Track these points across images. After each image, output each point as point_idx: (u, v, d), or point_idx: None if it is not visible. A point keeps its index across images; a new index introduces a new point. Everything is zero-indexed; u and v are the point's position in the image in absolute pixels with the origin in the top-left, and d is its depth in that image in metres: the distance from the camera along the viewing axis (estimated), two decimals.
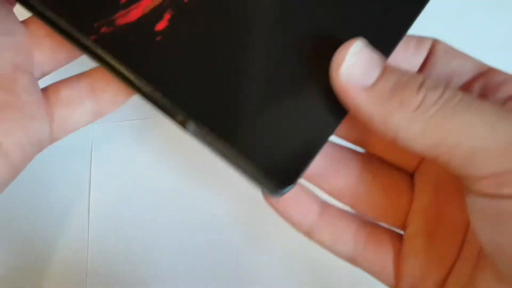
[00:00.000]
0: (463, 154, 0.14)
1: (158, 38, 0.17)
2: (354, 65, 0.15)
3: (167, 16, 0.18)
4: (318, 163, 0.19)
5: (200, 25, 0.17)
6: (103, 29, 0.17)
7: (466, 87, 0.18)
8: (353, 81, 0.15)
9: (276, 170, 0.16)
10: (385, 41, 0.17)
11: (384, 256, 0.19)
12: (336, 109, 0.17)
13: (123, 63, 0.17)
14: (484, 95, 0.18)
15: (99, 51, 0.17)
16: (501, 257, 0.14)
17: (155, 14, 0.17)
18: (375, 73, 0.16)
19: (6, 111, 0.17)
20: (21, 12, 0.19)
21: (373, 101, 0.15)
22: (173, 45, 0.17)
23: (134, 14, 0.17)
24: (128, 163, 0.29)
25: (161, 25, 0.17)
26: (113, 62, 0.17)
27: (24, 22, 0.19)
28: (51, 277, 0.28)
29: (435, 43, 0.19)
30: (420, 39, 0.19)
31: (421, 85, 0.15)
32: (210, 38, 0.17)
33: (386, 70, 0.16)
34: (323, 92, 0.17)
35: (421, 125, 0.14)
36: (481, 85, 0.18)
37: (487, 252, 0.15)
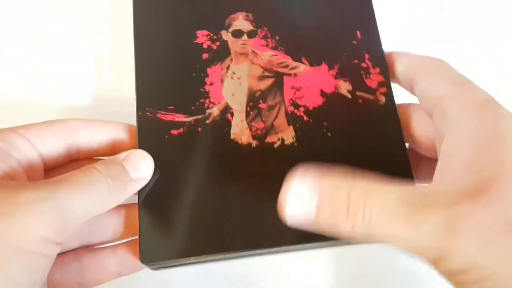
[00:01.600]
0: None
1: None
2: (294, 208, 0.20)
3: None
4: None
5: None
6: None
7: None
8: (300, 220, 0.20)
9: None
10: None
11: None
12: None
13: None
14: None
15: None
16: None
17: None
18: (312, 207, 0.19)
19: None
20: None
21: (323, 226, 0.20)
22: None
23: None
24: None
25: None
26: None
27: None
28: None
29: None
30: None
31: (347, 212, 0.19)
32: None
33: (320, 200, 0.19)
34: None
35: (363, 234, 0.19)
36: None
37: None
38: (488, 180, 0.18)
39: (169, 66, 0.28)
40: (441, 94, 0.22)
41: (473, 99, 0.21)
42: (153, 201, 0.25)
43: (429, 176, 0.21)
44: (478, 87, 0.21)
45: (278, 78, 0.28)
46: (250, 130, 0.26)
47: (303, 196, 0.20)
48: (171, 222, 0.25)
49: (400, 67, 0.26)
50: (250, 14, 0.29)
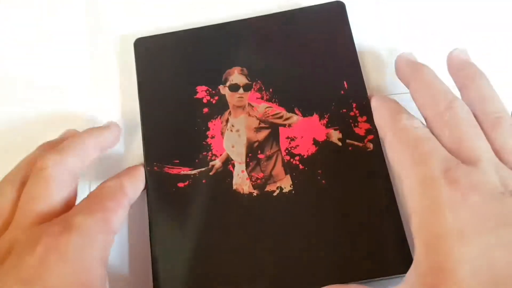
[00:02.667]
0: None
1: None
2: None
3: None
4: None
5: None
6: None
7: None
8: None
9: None
10: None
11: None
12: None
13: None
14: None
15: None
16: None
17: None
18: None
19: None
20: None
21: None
22: None
23: None
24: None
25: None
26: None
27: None
28: None
29: None
30: None
31: None
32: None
33: None
34: None
35: None
36: None
37: None
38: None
39: (173, 121, 0.30)
40: (397, 171, 0.25)
41: (420, 176, 0.23)
42: (163, 249, 0.27)
43: None
44: (432, 159, 0.23)
45: (274, 129, 0.30)
46: (251, 180, 0.29)
47: None
48: (180, 267, 0.27)
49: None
50: (244, 69, 0.31)
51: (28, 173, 0.26)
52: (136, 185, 0.28)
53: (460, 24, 0.33)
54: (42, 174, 0.25)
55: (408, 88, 0.28)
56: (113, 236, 0.25)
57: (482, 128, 0.25)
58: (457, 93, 0.27)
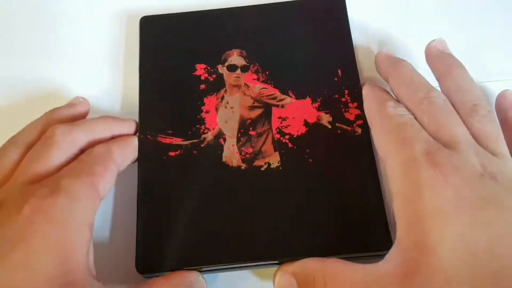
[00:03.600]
0: None
1: None
2: None
3: None
4: None
5: None
6: None
7: None
8: None
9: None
10: None
11: None
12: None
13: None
14: None
15: None
16: None
17: None
18: None
19: None
20: None
21: None
22: None
23: None
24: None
25: None
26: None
27: None
28: None
29: None
30: None
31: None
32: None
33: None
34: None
35: None
36: None
37: None
38: (414, 264, 0.22)
39: (170, 94, 0.31)
40: (382, 156, 0.26)
41: (403, 159, 0.24)
42: (150, 216, 0.28)
43: None
44: (414, 140, 0.24)
45: (267, 109, 0.31)
46: (240, 154, 0.30)
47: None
48: (165, 235, 0.27)
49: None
50: (244, 51, 0.33)
51: (34, 137, 0.27)
52: (125, 152, 0.29)
53: (457, 20, 0.34)
54: (48, 140, 0.26)
55: (388, 83, 0.29)
56: (100, 201, 0.26)
57: (459, 116, 0.25)
58: (435, 83, 0.28)
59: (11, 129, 0.28)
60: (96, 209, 0.25)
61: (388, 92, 0.29)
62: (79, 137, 0.27)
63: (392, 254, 0.23)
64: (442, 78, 0.28)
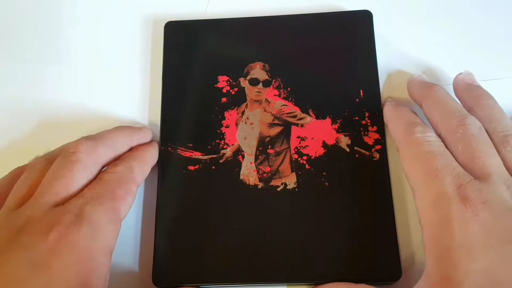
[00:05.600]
0: None
1: None
2: None
3: None
4: None
5: None
6: None
7: None
8: None
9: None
10: None
11: None
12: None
13: None
14: None
15: None
16: None
17: None
18: None
19: None
20: None
21: None
22: None
23: None
24: None
25: None
26: None
27: None
28: None
29: None
30: None
31: None
32: None
33: None
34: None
35: None
36: None
37: None
38: None
39: (191, 107, 0.32)
40: (411, 184, 0.26)
41: (433, 192, 0.24)
42: (168, 229, 0.29)
43: None
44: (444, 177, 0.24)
45: (287, 127, 0.31)
46: (258, 172, 0.30)
47: None
48: (182, 250, 0.28)
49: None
50: (267, 65, 0.33)
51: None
52: (145, 169, 0.29)
53: (484, 45, 0.34)
54: (72, 157, 0.26)
55: (421, 108, 0.29)
56: (120, 224, 0.26)
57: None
58: None
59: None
60: (118, 233, 0.26)
61: (414, 113, 0.29)
62: (102, 154, 0.27)
63: (421, 286, 0.23)
64: (472, 109, 0.27)
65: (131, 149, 0.30)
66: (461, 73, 0.29)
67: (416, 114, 0.29)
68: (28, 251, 0.23)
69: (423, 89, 0.29)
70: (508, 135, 0.26)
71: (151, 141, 0.31)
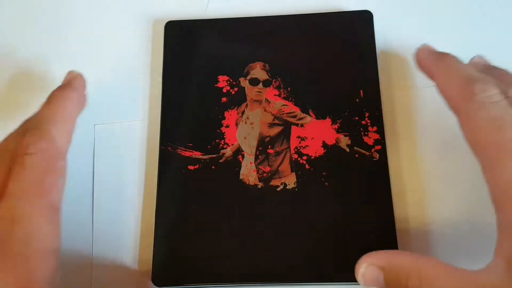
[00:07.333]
0: None
1: None
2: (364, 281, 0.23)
3: None
4: None
5: None
6: None
7: None
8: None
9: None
10: None
11: None
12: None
13: None
14: None
15: None
16: None
17: None
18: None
19: None
20: None
21: None
22: None
23: None
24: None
25: None
26: None
27: None
28: None
29: None
30: None
31: None
32: None
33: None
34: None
35: None
36: None
37: None
38: None
39: (192, 106, 0.32)
40: (483, 157, 0.22)
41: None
42: (167, 229, 0.29)
43: None
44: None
45: (287, 127, 0.31)
46: (257, 172, 0.30)
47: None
48: (182, 250, 0.28)
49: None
50: (267, 65, 0.33)
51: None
52: (69, 129, 0.26)
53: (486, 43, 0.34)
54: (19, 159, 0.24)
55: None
56: (59, 212, 0.24)
57: None
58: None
59: None
60: (58, 226, 0.23)
61: (464, 64, 0.25)
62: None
63: (495, 265, 0.21)
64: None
65: (44, 102, 0.26)
66: (474, 57, 0.27)
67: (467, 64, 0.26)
68: None
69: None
70: None
71: (70, 80, 0.28)
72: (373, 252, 0.23)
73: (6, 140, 0.25)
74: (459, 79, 0.24)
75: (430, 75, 0.26)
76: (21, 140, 0.24)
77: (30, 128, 0.24)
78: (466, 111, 0.23)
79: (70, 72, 0.29)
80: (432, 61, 0.26)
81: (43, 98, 0.27)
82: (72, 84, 0.28)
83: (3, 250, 0.21)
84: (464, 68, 0.25)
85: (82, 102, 0.28)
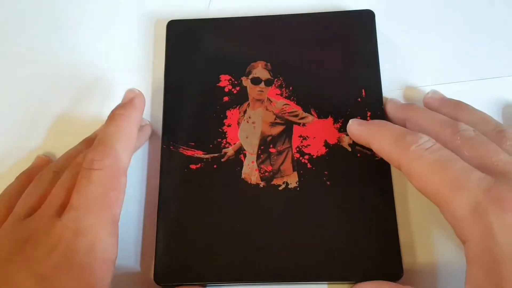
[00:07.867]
0: None
1: None
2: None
3: None
4: None
5: None
6: None
7: None
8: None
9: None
10: None
11: None
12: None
13: None
14: None
15: None
16: None
17: None
18: None
19: None
20: None
21: None
22: None
23: None
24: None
25: None
26: None
27: None
28: None
29: None
30: None
31: None
32: None
33: None
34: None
35: None
36: None
37: None
38: None
39: (194, 105, 0.32)
40: (432, 198, 0.24)
41: (464, 204, 0.22)
42: (169, 228, 0.29)
43: None
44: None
45: (288, 126, 0.31)
46: (259, 171, 0.30)
47: None
48: (184, 248, 0.28)
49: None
50: (269, 64, 0.33)
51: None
52: (131, 147, 0.27)
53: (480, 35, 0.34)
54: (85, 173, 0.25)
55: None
56: (118, 228, 0.26)
57: None
58: None
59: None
60: (117, 239, 0.25)
61: (388, 123, 0.28)
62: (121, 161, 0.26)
63: None
64: (456, 119, 0.27)
65: (108, 119, 0.28)
66: (428, 93, 0.31)
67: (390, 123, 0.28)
68: (32, 263, 0.23)
69: (403, 109, 0.30)
70: (501, 131, 0.26)
71: (132, 99, 0.29)
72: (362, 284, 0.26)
73: (72, 153, 0.29)
74: (391, 138, 0.26)
75: (365, 142, 0.28)
76: (87, 154, 0.26)
77: (96, 144, 0.26)
78: (406, 163, 0.25)
79: (130, 90, 0.30)
80: (363, 130, 0.28)
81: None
82: (134, 104, 0.29)
83: (67, 258, 0.23)
84: (393, 127, 0.27)
85: (139, 121, 0.29)
